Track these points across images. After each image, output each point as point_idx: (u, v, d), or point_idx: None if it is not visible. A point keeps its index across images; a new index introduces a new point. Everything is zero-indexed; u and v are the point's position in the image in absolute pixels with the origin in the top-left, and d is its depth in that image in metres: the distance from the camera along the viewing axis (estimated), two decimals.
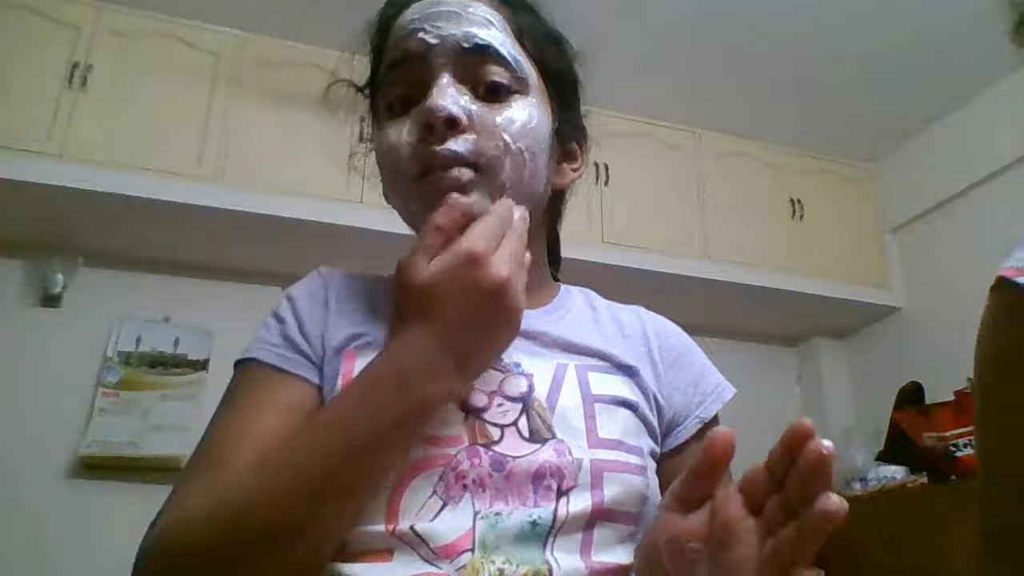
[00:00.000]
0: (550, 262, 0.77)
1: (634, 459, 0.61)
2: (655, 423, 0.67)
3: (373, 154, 0.71)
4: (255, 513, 0.52)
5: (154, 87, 2.48)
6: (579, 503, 0.57)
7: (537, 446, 0.59)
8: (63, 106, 2.34)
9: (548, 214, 0.74)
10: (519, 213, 0.60)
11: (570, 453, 0.59)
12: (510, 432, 0.59)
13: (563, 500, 0.57)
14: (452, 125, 0.61)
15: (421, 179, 0.63)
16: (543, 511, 0.56)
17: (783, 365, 3.47)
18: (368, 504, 0.55)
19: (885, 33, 2.65)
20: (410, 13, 0.66)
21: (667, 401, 0.68)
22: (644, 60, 2.80)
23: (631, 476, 0.60)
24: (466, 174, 0.61)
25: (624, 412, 0.64)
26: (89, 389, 2.44)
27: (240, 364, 0.65)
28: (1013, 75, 2.83)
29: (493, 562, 0.54)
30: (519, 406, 0.61)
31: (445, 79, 0.62)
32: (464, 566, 0.54)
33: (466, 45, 0.63)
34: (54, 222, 2.44)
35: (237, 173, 2.47)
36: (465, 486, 0.56)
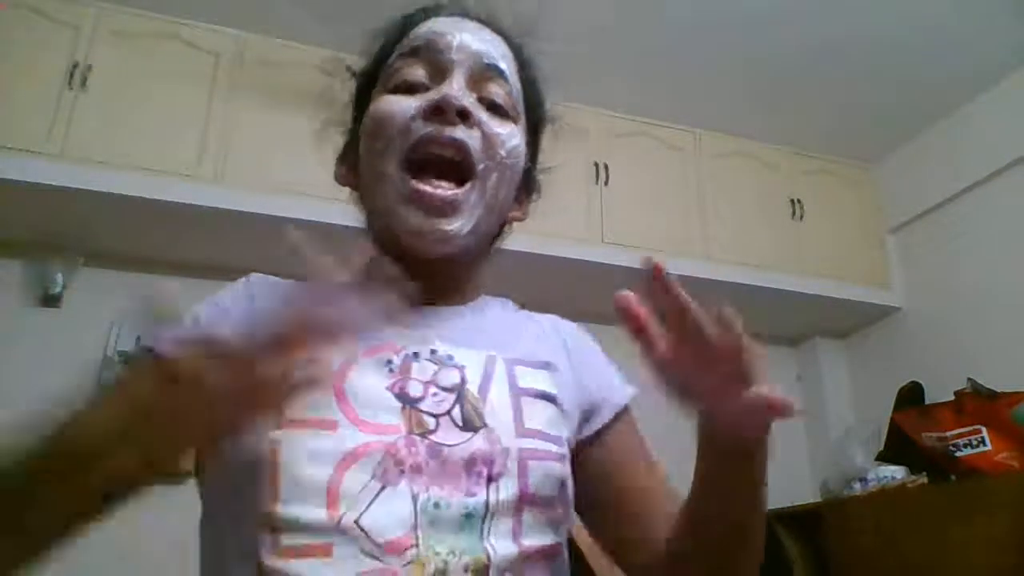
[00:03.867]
0: None
1: (554, 448, 0.66)
2: (573, 414, 0.72)
3: (342, 136, 0.78)
4: None
5: (154, 87, 2.48)
6: (507, 489, 0.61)
7: (470, 435, 0.63)
8: (63, 106, 2.34)
9: (493, 237, 0.78)
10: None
11: (500, 442, 0.63)
12: (444, 421, 0.63)
13: (492, 486, 0.61)
14: (464, 117, 0.67)
15: (410, 171, 0.67)
16: (476, 501, 0.60)
17: (783, 365, 3.47)
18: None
19: (886, 34, 2.65)
20: (437, 24, 0.72)
21: (582, 393, 0.74)
22: (644, 60, 2.81)
23: (552, 463, 0.65)
24: (456, 193, 0.67)
25: (546, 404, 0.69)
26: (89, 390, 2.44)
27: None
28: (1013, 75, 2.84)
29: (438, 554, 0.57)
30: (453, 396, 0.64)
31: (460, 79, 0.69)
32: (411, 562, 0.56)
33: (486, 60, 0.71)
34: (54, 222, 2.44)
35: (237, 173, 2.47)
36: (402, 471, 0.59)
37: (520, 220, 0.80)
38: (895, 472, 2.61)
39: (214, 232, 2.55)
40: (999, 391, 2.37)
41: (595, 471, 0.72)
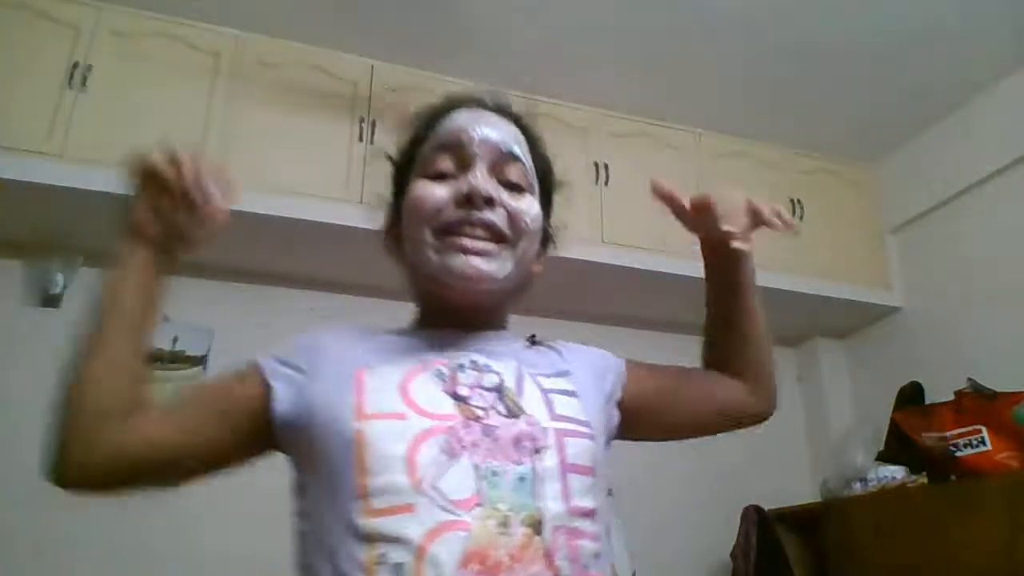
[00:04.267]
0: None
1: (585, 429, 0.81)
2: (596, 402, 0.88)
3: (384, 202, 0.96)
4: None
5: (154, 87, 2.47)
6: (551, 458, 0.76)
7: (514, 420, 0.77)
8: (63, 106, 2.34)
9: (520, 290, 0.94)
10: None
11: (539, 424, 0.78)
12: (491, 411, 0.77)
13: (538, 456, 0.75)
14: (490, 203, 0.83)
15: (446, 234, 0.83)
16: (525, 468, 0.74)
17: (783, 365, 3.43)
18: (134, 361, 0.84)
19: (886, 33, 2.65)
20: (461, 118, 0.89)
21: (597, 384, 0.91)
22: (644, 60, 2.81)
23: (583, 440, 0.80)
24: (492, 246, 0.83)
25: (571, 399, 0.84)
26: None
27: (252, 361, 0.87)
28: (1012, 76, 2.84)
29: (499, 510, 0.70)
30: (495, 393, 0.79)
31: (483, 168, 0.85)
32: (479, 516, 0.69)
33: (503, 149, 0.87)
34: (54, 222, 2.44)
35: (237, 173, 2.46)
36: (463, 447, 0.73)
37: (540, 274, 0.95)
38: (895, 472, 2.61)
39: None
40: (999, 391, 2.37)
41: (642, 407, 0.95)
